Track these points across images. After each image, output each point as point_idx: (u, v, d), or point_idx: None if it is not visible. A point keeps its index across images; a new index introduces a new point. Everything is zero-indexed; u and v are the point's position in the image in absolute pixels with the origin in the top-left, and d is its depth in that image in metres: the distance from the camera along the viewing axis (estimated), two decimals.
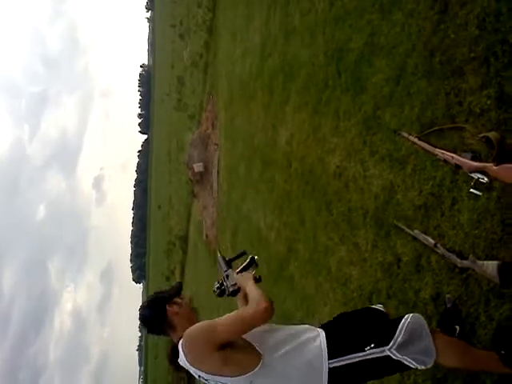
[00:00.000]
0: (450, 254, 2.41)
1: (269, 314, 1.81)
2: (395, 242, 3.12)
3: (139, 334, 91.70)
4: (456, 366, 2.10)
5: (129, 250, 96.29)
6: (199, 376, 1.90)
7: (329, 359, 1.86)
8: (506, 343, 2.04)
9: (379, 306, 2.17)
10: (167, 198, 29.52)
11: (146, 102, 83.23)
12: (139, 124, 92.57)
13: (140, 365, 78.55)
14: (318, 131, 4.76)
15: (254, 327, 1.85)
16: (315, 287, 4.56)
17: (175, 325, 1.96)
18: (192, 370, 1.89)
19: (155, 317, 2.01)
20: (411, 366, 1.86)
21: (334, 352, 1.88)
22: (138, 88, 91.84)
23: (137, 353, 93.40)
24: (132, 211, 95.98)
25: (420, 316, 1.95)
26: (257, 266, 2.24)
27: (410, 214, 2.97)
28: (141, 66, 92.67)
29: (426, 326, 1.92)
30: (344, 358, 1.86)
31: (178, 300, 2.06)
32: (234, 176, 10.09)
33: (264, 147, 7.33)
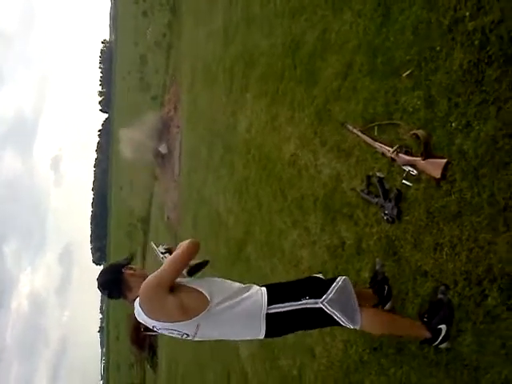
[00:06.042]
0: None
1: (197, 248, 2.21)
2: (340, 226, 3.38)
3: (100, 316, 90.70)
4: (383, 333, 2.44)
5: (89, 232, 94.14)
6: (153, 326, 2.14)
7: (268, 305, 2.14)
8: (428, 312, 2.34)
9: (319, 275, 2.42)
10: (128, 179, 29.15)
11: (107, 80, 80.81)
12: (99, 102, 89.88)
13: (102, 346, 77.83)
14: (275, 120, 4.95)
15: (189, 259, 2.18)
16: (270, 268, 4.81)
17: (132, 285, 2.21)
18: (149, 322, 2.13)
19: (114, 279, 2.27)
20: (340, 322, 2.14)
21: (272, 299, 2.16)
22: (98, 65, 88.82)
23: (98, 334, 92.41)
24: (92, 192, 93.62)
25: (349, 280, 2.24)
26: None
27: (353, 200, 3.23)
28: (102, 42, 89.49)
29: (353, 289, 2.21)
30: (281, 305, 2.15)
31: (132, 266, 2.34)
32: (195, 159, 10.18)
33: (225, 132, 7.46)
